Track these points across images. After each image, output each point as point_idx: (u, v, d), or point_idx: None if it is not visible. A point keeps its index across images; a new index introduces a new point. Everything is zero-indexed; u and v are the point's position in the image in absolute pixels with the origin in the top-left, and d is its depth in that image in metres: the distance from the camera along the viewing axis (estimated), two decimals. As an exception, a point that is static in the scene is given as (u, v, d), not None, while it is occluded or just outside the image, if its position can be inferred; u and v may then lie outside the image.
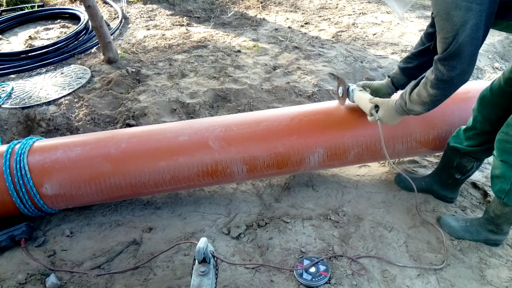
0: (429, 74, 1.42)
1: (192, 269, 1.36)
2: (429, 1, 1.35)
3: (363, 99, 1.80)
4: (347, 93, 1.92)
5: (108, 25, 4.24)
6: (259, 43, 3.78)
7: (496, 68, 3.45)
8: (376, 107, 1.73)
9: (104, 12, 4.66)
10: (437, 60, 1.38)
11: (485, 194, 2.13)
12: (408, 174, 1.96)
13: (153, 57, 3.52)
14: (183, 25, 4.29)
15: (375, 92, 1.87)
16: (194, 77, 3.18)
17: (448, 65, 1.34)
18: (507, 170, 1.57)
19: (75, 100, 2.90)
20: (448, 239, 1.85)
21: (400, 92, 1.81)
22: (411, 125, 1.95)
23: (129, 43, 3.89)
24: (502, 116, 1.62)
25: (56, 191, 1.82)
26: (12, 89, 3.12)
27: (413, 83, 1.59)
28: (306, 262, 1.72)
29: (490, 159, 2.39)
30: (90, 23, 3.63)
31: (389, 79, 1.85)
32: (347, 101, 1.95)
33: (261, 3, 4.86)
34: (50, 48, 3.65)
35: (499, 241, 1.82)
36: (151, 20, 4.45)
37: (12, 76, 3.41)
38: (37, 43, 3.99)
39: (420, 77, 1.51)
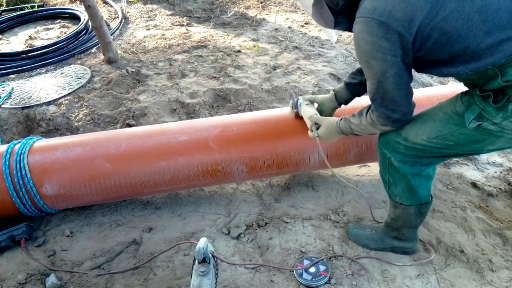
0: (374, 116, 1.42)
1: (192, 269, 1.36)
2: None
3: (307, 114, 1.79)
4: (296, 106, 1.91)
5: (108, 25, 4.24)
6: (259, 43, 3.78)
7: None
8: (317, 124, 1.72)
9: (104, 12, 4.66)
10: (375, 107, 1.40)
11: (487, 194, 2.13)
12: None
13: (153, 57, 3.52)
14: (183, 25, 4.29)
15: (320, 106, 1.86)
16: (194, 77, 3.18)
17: (387, 110, 1.38)
18: (381, 159, 1.59)
19: (75, 100, 2.90)
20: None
21: (343, 108, 1.84)
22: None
23: (129, 43, 3.89)
24: None
25: (56, 191, 1.82)
26: (12, 89, 3.12)
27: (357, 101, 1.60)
28: (306, 262, 1.72)
29: (491, 159, 2.40)
30: (90, 23, 3.63)
31: (334, 93, 1.83)
32: (296, 114, 1.93)
33: (261, 3, 4.86)
34: (50, 48, 3.65)
35: (408, 249, 1.76)
36: (151, 20, 4.45)
37: (12, 76, 3.41)
38: (37, 43, 3.99)
39: (366, 108, 1.49)
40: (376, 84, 1.34)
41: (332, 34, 1.66)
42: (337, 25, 1.44)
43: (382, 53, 1.26)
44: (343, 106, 1.86)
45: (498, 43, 1.16)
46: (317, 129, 1.71)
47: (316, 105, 1.88)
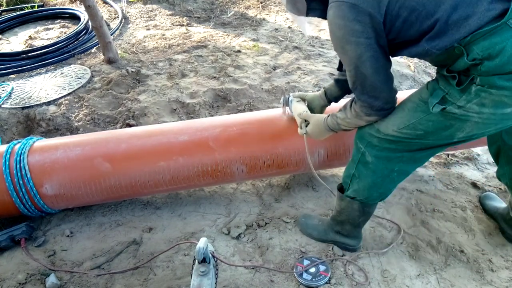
0: (357, 107, 1.41)
1: (192, 269, 1.36)
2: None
3: (296, 111, 1.79)
4: (287, 103, 1.90)
5: (108, 25, 4.24)
6: (259, 43, 3.78)
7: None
8: (306, 121, 1.71)
9: (104, 12, 4.66)
10: (357, 96, 1.39)
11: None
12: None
13: (153, 57, 3.52)
14: (183, 25, 4.29)
15: (310, 103, 1.85)
16: (194, 77, 3.18)
17: (369, 97, 1.35)
18: (355, 153, 1.58)
19: (75, 100, 2.90)
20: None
21: (333, 106, 1.83)
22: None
23: (129, 43, 3.89)
24: None
25: (56, 191, 1.82)
26: (12, 89, 3.12)
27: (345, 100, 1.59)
28: (306, 262, 1.72)
29: (491, 159, 2.40)
30: (90, 23, 3.63)
31: (324, 90, 1.82)
32: (287, 111, 1.94)
33: (261, 3, 4.86)
34: (50, 48, 3.65)
35: (350, 246, 1.77)
36: (151, 20, 4.45)
37: (12, 76, 3.41)
38: (37, 43, 3.99)
39: (349, 101, 1.49)
40: (353, 70, 1.32)
41: (305, 24, 1.63)
42: (310, 12, 1.42)
43: (356, 37, 1.24)
44: (333, 103, 1.85)
45: (464, 19, 1.15)
46: (306, 126, 1.70)
47: (305, 102, 1.87)
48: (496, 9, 1.12)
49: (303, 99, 1.88)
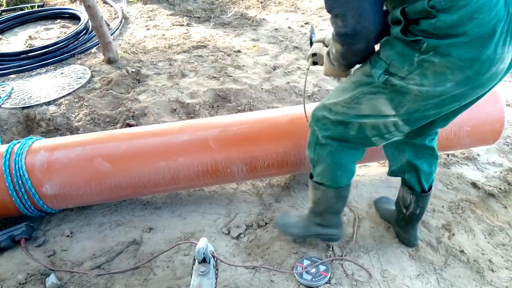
0: (332, 27, 1.32)
1: (192, 269, 1.36)
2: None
3: (314, 46, 1.70)
4: (311, 43, 1.81)
5: (108, 25, 4.24)
6: (259, 43, 3.78)
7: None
8: (314, 55, 1.66)
9: (104, 12, 4.67)
10: (328, 8, 1.22)
11: (487, 194, 2.13)
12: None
13: (153, 57, 3.52)
14: (183, 25, 4.29)
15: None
16: (194, 77, 3.18)
17: (338, 16, 1.20)
18: (310, 136, 1.58)
19: (75, 100, 2.90)
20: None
21: None
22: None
23: (129, 43, 3.89)
24: None
25: (56, 191, 1.82)
26: (12, 89, 3.12)
27: None
28: (306, 262, 1.72)
29: (491, 159, 2.40)
30: (90, 23, 3.63)
31: None
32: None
33: (261, 3, 4.86)
34: (50, 48, 3.65)
35: (333, 236, 1.76)
36: (151, 20, 4.45)
37: (12, 76, 3.41)
38: (37, 43, 3.99)
39: None
40: None
41: None
42: None
43: None
44: None
45: None
46: (313, 61, 1.66)
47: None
48: None
49: (323, 42, 1.73)
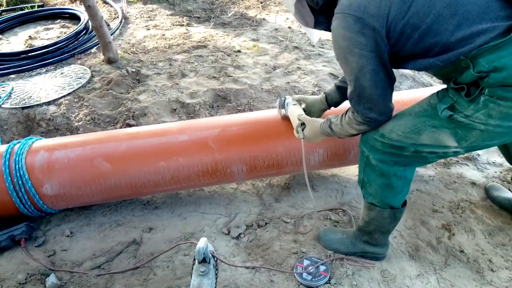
0: (351, 115, 1.44)
1: (192, 269, 1.36)
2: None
3: (294, 114, 1.78)
4: (283, 106, 1.90)
5: (108, 25, 4.24)
6: (259, 43, 3.78)
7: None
8: (303, 124, 1.71)
9: (104, 12, 4.67)
10: (353, 105, 1.41)
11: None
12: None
13: (153, 57, 3.52)
14: (183, 25, 4.29)
15: (309, 107, 1.85)
16: (194, 77, 3.18)
17: (364, 108, 1.37)
18: (360, 157, 1.59)
19: (75, 100, 2.90)
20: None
21: (333, 110, 1.85)
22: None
23: (129, 43, 3.89)
24: None
25: (56, 191, 1.82)
26: (12, 89, 3.12)
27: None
28: (306, 262, 1.72)
29: (491, 159, 2.40)
30: (90, 23, 3.63)
31: (324, 95, 1.82)
32: (282, 113, 1.93)
33: (261, 3, 4.86)
34: (50, 48, 3.65)
35: (379, 255, 1.75)
36: (151, 20, 4.45)
37: (12, 76, 3.41)
38: (37, 43, 3.99)
39: (346, 109, 1.50)
40: (353, 81, 1.34)
41: (313, 34, 1.65)
42: (317, 25, 1.45)
43: (359, 48, 1.26)
44: (332, 108, 1.86)
45: (468, 37, 1.17)
46: (303, 129, 1.70)
47: (303, 105, 1.88)
48: (501, 26, 1.14)
49: (300, 103, 1.88)
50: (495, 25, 1.15)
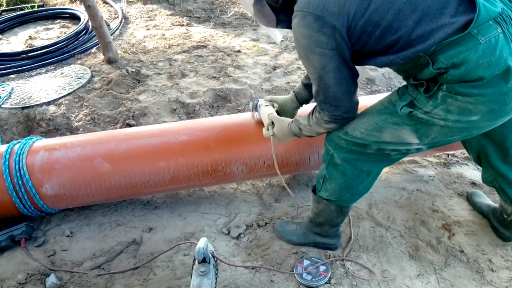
0: (318, 114, 1.44)
1: (192, 269, 1.36)
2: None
3: (265, 113, 1.78)
4: (255, 108, 1.90)
5: (108, 25, 4.24)
6: (259, 43, 3.78)
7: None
8: (273, 123, 1.71)
9: (104, 12, 4.66)
10: (319, 104, 1.41)
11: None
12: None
13: (153, 57, 3.52)
14: (183, 25, 4.29)
15: (282, 107, 1.85)
16: (194, 77, 3.18)
17: (330, 106, 1.37)
18: (324, 154, 1.59)
19: (75, 100, 2.90)
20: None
21: (306, 108, 1.84)
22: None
23: (129, 43, 3.89)
24: None
25: (56, 191, 1.82)
26: (12, 89, 3.12)
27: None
28: (306, 262, 1.72)
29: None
30: (90, 23, 3.63)
31: (294, 94, 1.82)
32: (256, 116, 1.93)
33: (261, 3, 4.85)
34: (50, 48, 3.65)
35: (331, 245, 1.78)
36: (151, 20, 4.45)
37: (12, 76, 3.41)
38: (37, 43, 3.99)
39: (312, 108, 1.50)
40: (317, 80, 1.33)
41: (276, 34, 1.64)
42: (279, 24, 1.43)
43: (320, 47, 1.25)
44: (305, 106, 1.86)
45: (429, 32, 1.16)
46: (273, 128, 1.71)
47: (276, 106, 1.88)
48: (460, 21, 1.14)
49: (274, 102, 1.88)
50: (454, 20, 1.14)
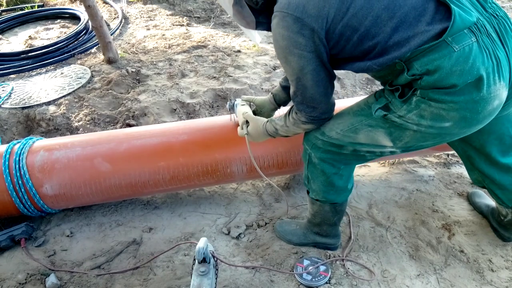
0: (295, 115, 1.44)
1: (192, 269, 1.36)
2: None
3: (240, 112, 1.78)
4: (232, 109, 1.90)
5: (108, 25, 4.24)
6: (259, 43, 3.78)
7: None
8: (248, 122, 1.71)
9: (104, 12, 4.67)
10: (296, 105, 1.41)
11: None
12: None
13: (153, 57, 3.52)
14: (183, 25, 4.29)
15: (259, 108, 1.85)
16: (194, 77, 3.19)
17: (308, 107, 1.38)
18: (303, 154, 1.61)
19: (75, 100, 2.90)
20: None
21: (284, 109, 1.85)
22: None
23: (129, 43, 3.89)
24: None
25: (56, 191, 1.82)
26: (12, 89, 3.13)
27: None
28: (306, 262, 1.72)
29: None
30: (90, 23, 3.63)
31: (272, 95, 1.83)
32: (233, 117, 1.93)
33: (261, 3, 4.85)
34: (50, 48, 3.65)
35: (330, 245, 1.79)
36: (151, 20, 4.45)
37: (12, 76, 3.41)
38: (37, 43, 3.99)
39: (289, 109, 1.51)
40: (295, 81, 1.34)
41: (255, 35, 1.65)
42: (258, 25, 1.43)
43: (299, 49, 1.25)
44: (282, 107, 1.87)
45: (405, 39, 1.17)
46: (247, 127, 1.70)
47: (253, 106, 1.88)
48: (435, 29, 1.15)
49: (251, 102, 1.88)
50: (429, 28, 1.15)
